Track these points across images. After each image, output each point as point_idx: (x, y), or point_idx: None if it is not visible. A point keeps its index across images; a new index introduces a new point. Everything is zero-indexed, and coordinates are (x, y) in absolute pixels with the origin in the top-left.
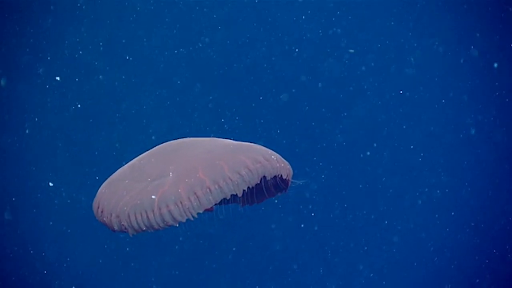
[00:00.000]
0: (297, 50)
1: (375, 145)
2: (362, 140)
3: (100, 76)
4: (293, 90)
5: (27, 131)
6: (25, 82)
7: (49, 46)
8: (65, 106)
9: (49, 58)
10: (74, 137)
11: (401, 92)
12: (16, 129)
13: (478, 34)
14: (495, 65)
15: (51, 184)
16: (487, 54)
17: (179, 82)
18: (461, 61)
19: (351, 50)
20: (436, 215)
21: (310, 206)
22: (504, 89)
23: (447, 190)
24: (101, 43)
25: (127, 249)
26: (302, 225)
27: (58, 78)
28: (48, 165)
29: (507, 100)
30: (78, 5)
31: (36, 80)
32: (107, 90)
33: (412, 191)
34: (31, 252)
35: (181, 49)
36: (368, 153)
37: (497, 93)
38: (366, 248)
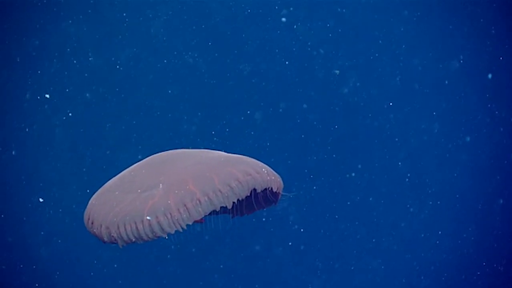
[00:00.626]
0: (287, 62)
1: (359, 166)
2: (351, 156)
3: (88, 94)
4: (284, 103)
5: (14, 145)
6: (16, 98)
7: (39, 61)
8: (55, 117)
9: (39, 72)
10: (64, 148)
11: (391, 104)
12: (5, 142)
13: (469, 45)
14: (489, 76)
15: (41, 200)
16: (479, 65)
17: (169, 91)
18: (451, 72)
19: (337, 71)
20: (422, 235)
21: (296, 226)
22: (494, 101)
23: (433, 210)
24: (91, 58)
25: (115, 265)
26: (290, 243)
27: (47, 96)
28: (38, 177)
29: (496, 112)
30: (70, 21)
31: (26, 95)
32: (97, 101)
33: (399, 210)
34: (21, 266)
35: (171, 62)
36: (354, 173)
37: (488, 105)
38: (352, 268)
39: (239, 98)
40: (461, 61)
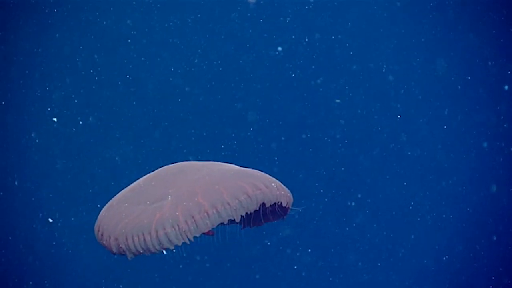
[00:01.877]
0: (293, 75)
1: (359, 195)
2: (355, 181)
3: (96, 106)
4: (293, 117)
5: (22, 159)
6: (19, 117)
7: (38, 81)
8: (64, 129)
9: (38, 94)
10: (72, 161)
11: (399, 116)
12: (13, 155)
13: (484, 56)
14: (506, 87)
15: (50, 220)
16: (493, 77)
17: (179, 100)
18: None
19: (338, 100)
20: (425, 261)
21: (298, 254)
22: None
23: (435, 238)
24: (92, 71)
25: (121, 283)
26: (295, 267)
27: (55, 119)
28: (48, 190)
29: (505, 125)
30: (81, 48)
31: (29, 117)
32: (104, 113)
33: (400, 237)
34: (30, 283)
35: (180, 71)
36: (354, 203)
37: (502, 117)
38: None
39: (247, 112)
40: (470, 76)
